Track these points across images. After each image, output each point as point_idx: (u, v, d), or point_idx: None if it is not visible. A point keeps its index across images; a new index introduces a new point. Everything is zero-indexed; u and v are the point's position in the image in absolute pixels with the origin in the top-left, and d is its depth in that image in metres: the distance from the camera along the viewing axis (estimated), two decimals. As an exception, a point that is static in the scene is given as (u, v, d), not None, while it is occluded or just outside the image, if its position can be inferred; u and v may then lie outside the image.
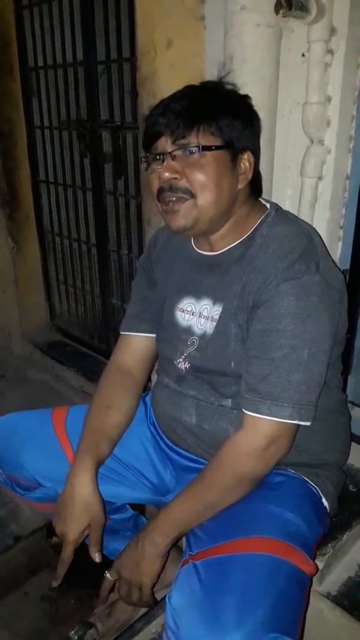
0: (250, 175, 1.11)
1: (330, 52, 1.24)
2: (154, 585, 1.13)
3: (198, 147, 1.03)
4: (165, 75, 1.63)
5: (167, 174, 1.05)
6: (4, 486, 1.37)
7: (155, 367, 1.39)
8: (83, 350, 2.75)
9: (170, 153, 1.04)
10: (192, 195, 1.05)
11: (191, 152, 1.04)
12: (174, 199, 1.06)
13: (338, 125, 1.30)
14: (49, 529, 1.77)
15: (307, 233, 1.09)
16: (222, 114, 1.05)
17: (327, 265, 1.07)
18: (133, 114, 1.99)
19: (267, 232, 1.10)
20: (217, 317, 1.13)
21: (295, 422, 1.01)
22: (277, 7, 1.17)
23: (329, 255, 1.12)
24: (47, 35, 2.38)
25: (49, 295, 2.93)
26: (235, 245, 1.13)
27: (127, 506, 1.48)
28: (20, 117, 2.63)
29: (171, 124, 1.04)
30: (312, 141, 1.32)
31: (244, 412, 1.04)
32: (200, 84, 1.14)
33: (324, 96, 1.27)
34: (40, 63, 2.47)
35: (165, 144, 1.05)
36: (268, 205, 1.16)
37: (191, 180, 1.04)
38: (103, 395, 1.30)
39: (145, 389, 1.39)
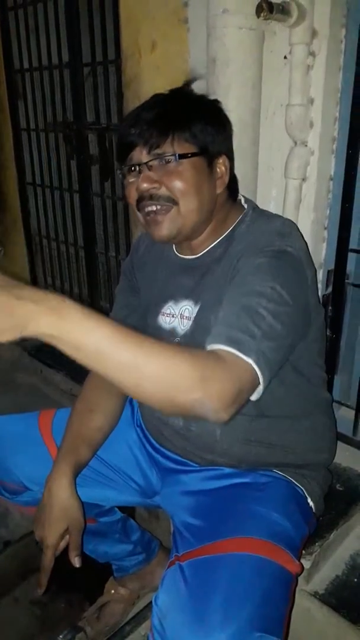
0: (227, 179, 1.11)
1: (312, 54, 1.25)
2: None
3: (174, 155, 1.03)
4: (150, 77, 1.64)
5: (145, 185, 1.04)
6: None
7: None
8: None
9: (146, 163, 1.04)
10: (174, 202, 1.05)
11: (167, 161, 1.03)
12: (156, 208, 1.05)
13: (321, 126, 1.31)
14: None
15: (287, 226, 1.09)
16: (194, 120, 1.05)
17: (304, 251, 1.07)
18: (119, 115, 1.98)
19: (246, 229, 1.10)
20: (195, 314, 1.13)
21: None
22: (259, 10, 1.18)
23: (308, 253, 1.11)
24: (32, 37, 2.37)
25: None
26: (214, 246, 1.13)
27: (116, 509, 1.48)
28: (6, 120, 2.62)
29: (144, 133, 1.03)
30: (295, 143, 1.33)
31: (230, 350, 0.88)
32: (169, 91, 1.12)
33: (307, 98, 1.28)
34: (26, 65, 2.47)
35: (140, 154, 1.05)
36: (245, 206, 1.16)
37: (171, 187, 1.04)
38: (85, 399, 1.29)
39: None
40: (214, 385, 0.82)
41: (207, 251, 1.14)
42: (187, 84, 1.16)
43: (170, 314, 1.19)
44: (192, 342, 1.12)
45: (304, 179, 1.35)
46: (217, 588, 0.91)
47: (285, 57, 1.30)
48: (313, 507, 1.17)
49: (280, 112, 1.34)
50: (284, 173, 1.35)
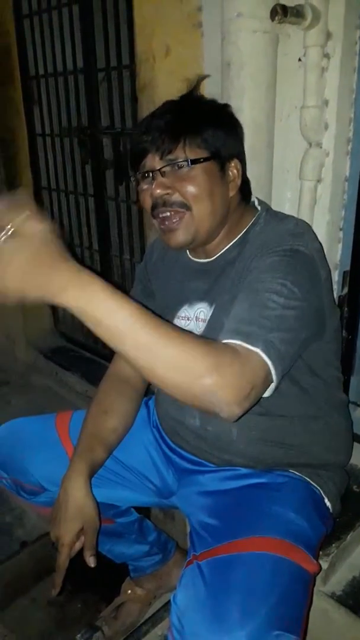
0: (239, 182, 1.13)
1: (326, 56, 1.25)
2: None
3: (186, 161, 1.04)
4: (164, 81, 1.65)
5: (158, 191, 1.05)
6: (10, 491, 1.38)
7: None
8: (87, 356, 2.76)
9: (159, 170, 1.05)
10: (188, 208, 1.06)
11: (180, 167, 1.05)
12: (169, 213, 1.07)
13: (336, 128, 1.31)
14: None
15: (300, 226, 1.09)
16: (205, 125, 1.07)
17: (318, 251, 1.07)
18: (133, 120, 2.00)
19: (260, 231, 1.11)
20: (210, 316, 1.14)
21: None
22: (273, 14, 1.18)
23: (323, 252, 1.11)
24: (48, 43, 2.40)
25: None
26: (228, 249, 1.14)
27: (132, 509, 1.49)
28: (21, 125, 2.65)
29: (156, 140, 1.05)
30: (310, 144, 1.33)
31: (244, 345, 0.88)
32: (179, 97, 1.14)
33: (321, 100, 1.29)
34: (41, 71, 2.49)
35: (153, 161, 1.06)
36: (259, 207, 1.17)
37: (184, 193, 1.05)
38: (100, 401, 1.30)
39: (148, 392, 1.40)
40: (226, 375, 0.82)
41: (222, 254, 1.15)
42: (196, 87, 1.18)
43: (185, 317, 1.20)
44: None
45: (319, 180, 1.35)
46: (236, 586, 0.92)
47: (299, 60, 1.30)
48: (330, 507, 1.17)
49: (295, 114, 1.34)
50: (299, 174, 1.36)
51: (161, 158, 1.05)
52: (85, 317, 0.79)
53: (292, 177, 1.40)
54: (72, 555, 1.18)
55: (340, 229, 1.43)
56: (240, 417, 0.88)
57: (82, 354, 2.79)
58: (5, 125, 2.70)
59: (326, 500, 1.17)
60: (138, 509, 1.52)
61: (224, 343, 0.88)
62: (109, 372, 1.35)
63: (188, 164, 1.04)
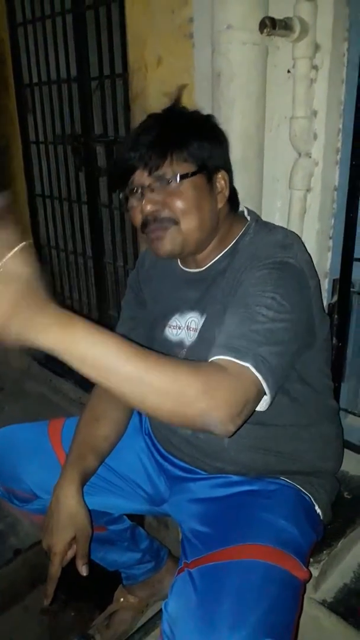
0: (227, 193, 1.13)
1: (314, 67, 1.27)
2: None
3: (174, 176, 1.05)
4: (156, 91, 1.67)
5: (149, 207, 1.06)
6: (2, 498, 1.38)
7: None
8: None
9: (148, 186, 1.06)
10: (175, 222, 1.07)
11: (168, 182, 1.05)
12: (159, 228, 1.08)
13: (325, 138, 1.33)
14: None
15: (289, 237, 1.10)
16: (191, 138, 1.07)
17: (307, 262, 1.08)
18: (126, 128, 2.02)
19: (249, 242, 1.12)
20: (200, 326, 1.15)
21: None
22: (262, 26, 1.20)
23: (312, 263, 1.12)
24: (42, 52, 2.42)
25: None
26: (218, 259, 1.15)
27: (125, 517, 1.49)
28: (15, 133, 2.67)
29: (143, 156, 1.05)
30: (299, 154, 1.35)
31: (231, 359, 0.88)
32: (163, 111, 1.15)
33: (310, 110, 1.30)
34: (35, 79, 2.51)
35: (141, 177, 1.07)
36: (249, 218, 1.18)
37: (173, 208, 1.06)
38: (92, 408, 1.30)
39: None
40: (218, 395, 0.83)
41: (212, 264, 1.16)
42: (178, 99, 1.18)
43: (176, 326, 1.20)
44: (197, 353, 1.13)
45: (308, 190, 1.37)
46: (226, 594, 0.92)
47: (288, 71, 1.32)
48: (321, 514, 1.18)
49: (285, 125, 1.36)
50: (289, 184, 1.37)
51: (149, 174, 1.06)
52: (69, 356, 0.77)
53: (282, 187, 1.42)
54: (65, 564, 1.18)
55: (330, 238, 1.44)
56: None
57: None
58: (0, 134, 2.72)
59: (317, 508, 1.17)
60: (131, 517, 1.53)
61: (214, 361, 0.89)
62: None
63: (176, 180, 1.05)
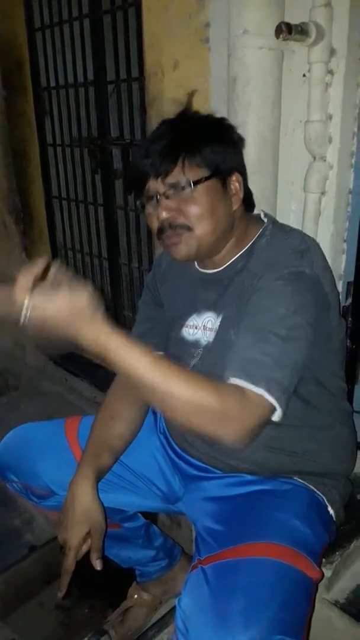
0: (242, 195, 1.14)
1: (330, 72, 1.28)
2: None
3: (187, 182, 1.06)
4: (172, 95, 1.68)
5: (164, 214, 1.08)
6: (20, 494, 1.41)
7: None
8: (96, 362, 2.78)
9: (163, 193, 1.08)
10: (189, 229, 1.08)
11: (182, 189, 1.06)
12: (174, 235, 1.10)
13: (340, 142, 1.33)
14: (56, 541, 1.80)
15: (305, 241, 1.11)
16: (203, 143, 1.08)
17: (323, 267, 1.10)
18: (142, 131, 2.04)
19: (266, 244, 1.13)
20: (217, 326, 1.16)
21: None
22: (278, 32, 1.21)
23: (328, 267, 1.14)
24: (59, 56, 2.45)
25: None
26: (235, 260, 1.16)
27: (139, 515, 1.51)
28: (33, 136, 2.70)
29: (156, 164, 1.07)
30: (314, 158, 1.36)
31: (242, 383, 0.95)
32: (175, 117, 1.16)
33: (325, 114, 1.31)
34: (53, 83, 2.54)
35: (156, 184, 1.08)
36: (265, 220, 1.19)
37: (187, 215, 1.07)
38: (108, 407, 1.33)
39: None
40: (233, 423, 0.93)
41: (228, 265, 1.17)
42: (189, 104, 1.19)
43: (193, 326, 1.22)
44: (214, 353, 1.15)
45: (323, 193, 1.37)
46: (239, 591, 0.94)
47: (304, 75, 1.33)
48: (333, 515, 1.19)
49: (300, 128, 1.37)
50: (303, 187, 1.38)
51: (163, 181, 1.07)
52: (106, 360, 0.91)
53: (297, 190, 1.43)
54: (79, 558, 1.20)
55: (344, 241, 1.45)
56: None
57: (92, 360, 2.80)
58: (18, 137, 2.76)
59: (330, 508, 1.18)
60: (145, 515, 1.54)
61: (231, 382, 0.96)
62: (117, 379, 1.38)
63: (189, 186, 1.06)
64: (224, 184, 1.11)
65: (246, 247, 1.16)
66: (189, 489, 1.29)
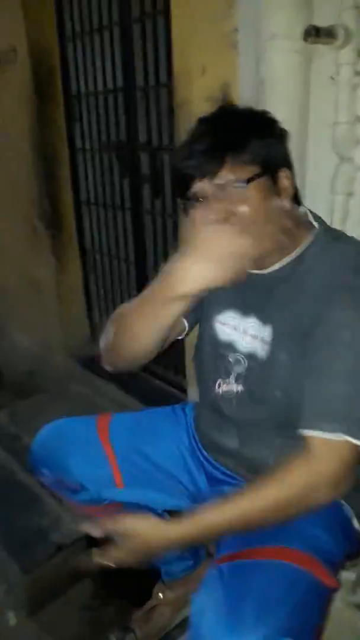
0: (291, 191, 1.07)
1: (358, 74, 1.28)
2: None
3: (236, 181, 0.98)
4: (200, 99, 1.70)
5: (213, 217, 1.00)
6: (53, 488, 1.43)
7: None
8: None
9: (210, 195, 1.01)
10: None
11: (231, 189, 0.99)
12: None
13: (367, 143, 1.33)
14: (89, 540, 1.82)
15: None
16: (249, 139, 1.01)
17: None
18: (170, 136, 2.06)
19: (318, 253, 1.06)
20: (269, 339, 1.09)
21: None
22: (307, 35, 1.22)
23: None
24: (89, 63, 2.50)
25: (90, 311, 3.03)
26: (283, 266, 1.09)
27: (167, 514, 1.49)
28: (63, 141, 2.76)
29: (202, 165, 1.00)
30: (341, 159, 1.36)
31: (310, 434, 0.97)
32: (215, 112, 1.08)
33: (353, 116, 1.31)
34: (83, 90, 2.60)
35: (201, 186, 1.01)
36: (316, 224, 1.12)
37: (240, 216, 1.00)
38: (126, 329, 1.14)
39: (181, 398, 1.42)
40: (319, 492, 0.96)
41: (275, 270, 1.09)
42: (228, 99, 1.13)
43: (232, 326, 1.17)
44: (264, 372, 1.11)
45: (350, 194, 1.37)
46: (253, 591, 0.94)
47: (332, 78, 1.33)
48: (358, 528, 1.17)
49: (327, 130, 1.37)
50: (331, 189, 1.38)
51: (210, 182, 1.00)
52: (198, 541, 1.11)
53: (324, 192, 1.42)
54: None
55: (372, 242, 1.44)
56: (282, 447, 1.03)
57: None
58: (48, 142, 2.80)
59: (355, 522, 1.16)
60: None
61: (305, 439, 0.96)
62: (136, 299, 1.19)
63: (239, 186, 0.99)
64: (274, 180, 1.04)
65: (295, 254, 1.08)
66: (214, 490, 1.29)
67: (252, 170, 1.00)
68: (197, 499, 1.34)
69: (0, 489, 2.21)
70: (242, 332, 1.14)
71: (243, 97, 1.52)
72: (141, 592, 1.71)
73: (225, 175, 0.99)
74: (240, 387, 1.15)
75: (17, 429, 2.53)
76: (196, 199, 1.03)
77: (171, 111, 1.92)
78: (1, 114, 2.82)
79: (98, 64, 2.44)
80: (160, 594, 1.62)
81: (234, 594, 0.94)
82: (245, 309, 1.14)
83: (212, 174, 0.99)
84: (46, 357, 3.13)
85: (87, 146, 2.69)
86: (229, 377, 1.17)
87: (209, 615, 0.94)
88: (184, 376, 2.23)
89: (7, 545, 1.91)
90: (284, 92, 1.34)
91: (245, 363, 1.14)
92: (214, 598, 0.96)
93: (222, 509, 1.00)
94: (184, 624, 1.44)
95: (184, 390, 2.29)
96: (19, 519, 2.03)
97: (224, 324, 1.18)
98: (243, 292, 1.14)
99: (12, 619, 1.72)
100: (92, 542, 1.57)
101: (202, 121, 1.07)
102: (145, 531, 1.05)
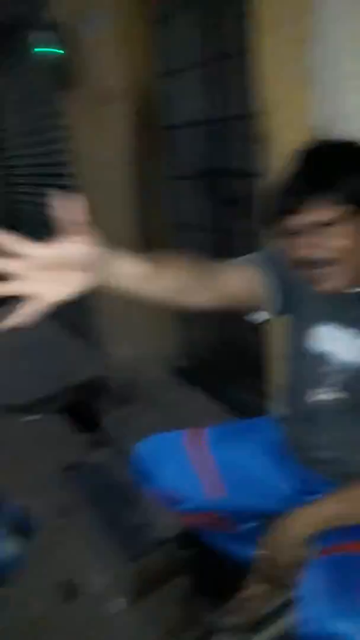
0: None
1: None
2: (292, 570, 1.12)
3: (332, 220, 0.99)
4: (280, 132, 1.81)
5: (304, 251, 1.02)
6: (157, 499, 1.52)
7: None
8: (215, 375, 2.85)
9: (304, 230, 1.01)
10: (337, 263, 1.03)
11: (325, 226, 0.99)
12: (317, 270, 1.04)
13: None
14: (180, 539, 1.90)
15: None
16: (347, 175, 1.00)
17: None
18: (257, 164, 2.17)
19: None
20: None
21: None
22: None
23: None
24: (182, 97, 2.69)
25: (181, 322, 3.11)
26: None
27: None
28: (158, 170, 2.92)
29: (297, 200, 1.00)
30: None
31: None
32: (314, 147, 1.07)
33: None
34: (176, 121, 2.78)
35: (296, 220, 1.01)
36: None
37: (332, 251, 1.01)
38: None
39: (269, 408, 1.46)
40: None
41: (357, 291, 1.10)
42: (327, 135, 1.13)
43: (328, 337, 1.17)
44: (353, 381, 1.14)
45: None
46: (354, 583, 1.00)
47: None
48: None
49: None
50: None
51: (305, 217, 1.00)
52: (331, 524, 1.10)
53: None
54: None
55: None
56: None
57: (211, 374, 2.88)
58: (143, 170, 2.96)
59: None
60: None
61: None
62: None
63: (334, 224, 0.99)
64: None
65: None
66: (307, 496, 1.28)
67: (348, 207, 1.00)
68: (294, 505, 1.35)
69: (108, 486, 2.33)
70: (339, 342, 1.15)
71: (317, 132, 1.61)
72: (233, 587, 1.74)
73: (322, 211, 0.99)
74: (336, 395, 1.18)
75: (121, 433, 2.65)
76: (288, 231, 1.05)
77: (258, 141, 2.03)
78: (108, 146, 3.01)
79: (189, 97, 2.61)
80: (252, 585, 1.63)
81: (342, 582, 1.00)
82: (342, 322, 1.15)
83: (309, 209, 1.00)
84: (136, 366, 3.19)
85: (181, 173, 2.83)
86: (323, 386, 1.20)
87: (312, 606, 1.00)
88: (270, 386, 2.29)
89: (113, 537, 2.02)
90: (357, 127, 1.41)
91: (341, 372, 1.16)
92: (322, 585, 1.01)
93: (340, 501, 1.09)
94: (276, 614, 1.48)
95: (270, 400, 2.34)
96: (124, 514, 2.13)
97: (320, 335, 1.19)
98: (339, 307, 1.15)
99: (119, 604, 1.80)
100: (183, 543, 1.69)
101: (302, 155, 1.06)
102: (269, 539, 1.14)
